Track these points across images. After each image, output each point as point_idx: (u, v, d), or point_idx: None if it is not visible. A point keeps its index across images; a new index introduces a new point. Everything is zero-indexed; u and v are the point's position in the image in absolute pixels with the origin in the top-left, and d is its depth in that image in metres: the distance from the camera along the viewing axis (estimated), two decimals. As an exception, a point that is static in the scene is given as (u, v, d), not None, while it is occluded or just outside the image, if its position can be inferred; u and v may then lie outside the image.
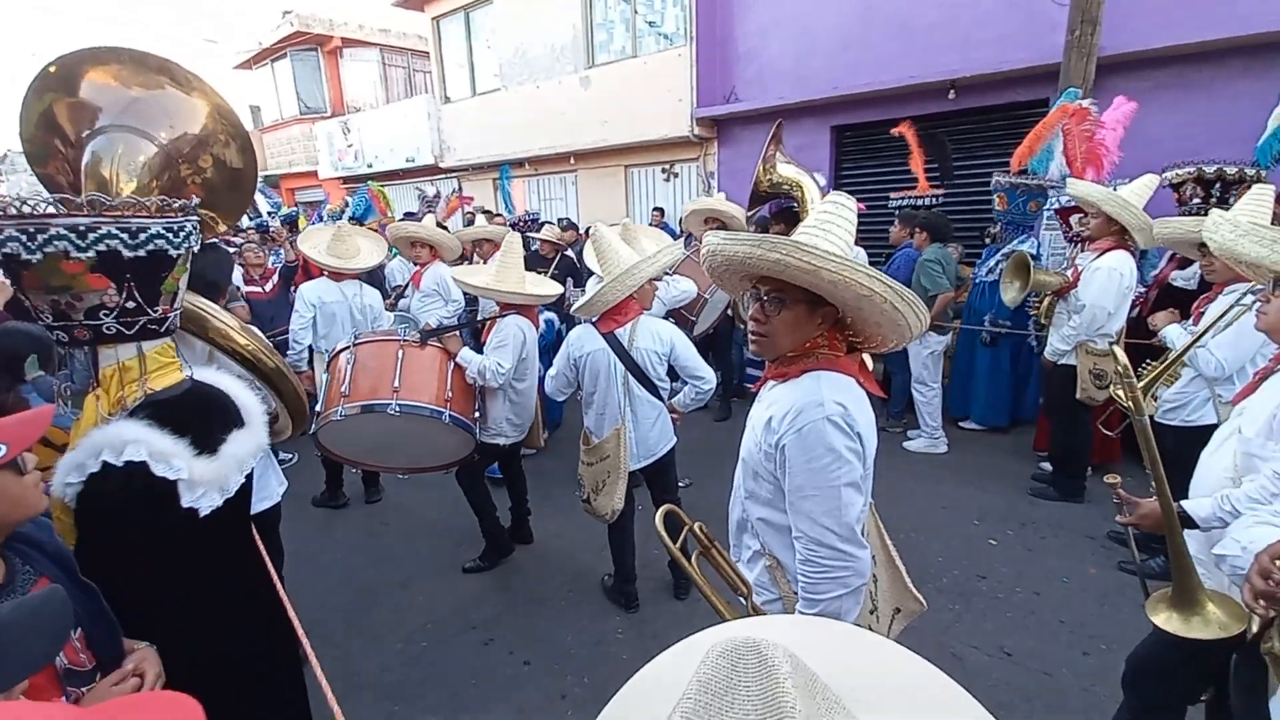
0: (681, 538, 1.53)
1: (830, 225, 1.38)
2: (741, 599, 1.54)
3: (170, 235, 1.31)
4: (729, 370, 5.75)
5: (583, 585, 3.36)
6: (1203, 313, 2.87)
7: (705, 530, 1.56)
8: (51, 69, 1.46)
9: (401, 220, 7.25)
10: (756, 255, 1.28)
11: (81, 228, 1.20)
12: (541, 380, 3.45)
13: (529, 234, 6.01)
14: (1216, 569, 1.44)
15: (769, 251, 1.26)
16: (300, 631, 1.47)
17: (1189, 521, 1.59)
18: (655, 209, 9.52)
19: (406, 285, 5.13)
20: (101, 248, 1.23)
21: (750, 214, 4.57)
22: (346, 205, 8.94)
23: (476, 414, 3.16)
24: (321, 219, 8.89)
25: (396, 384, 2.90)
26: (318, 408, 3.07)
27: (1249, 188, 2.53)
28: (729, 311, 5.10)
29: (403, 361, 2.98)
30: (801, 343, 1.43)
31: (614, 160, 10.94)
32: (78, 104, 1.46)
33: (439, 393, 3.00)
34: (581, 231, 7.58)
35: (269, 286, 5.31)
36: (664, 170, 10.55)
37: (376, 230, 6.19)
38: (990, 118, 6.93)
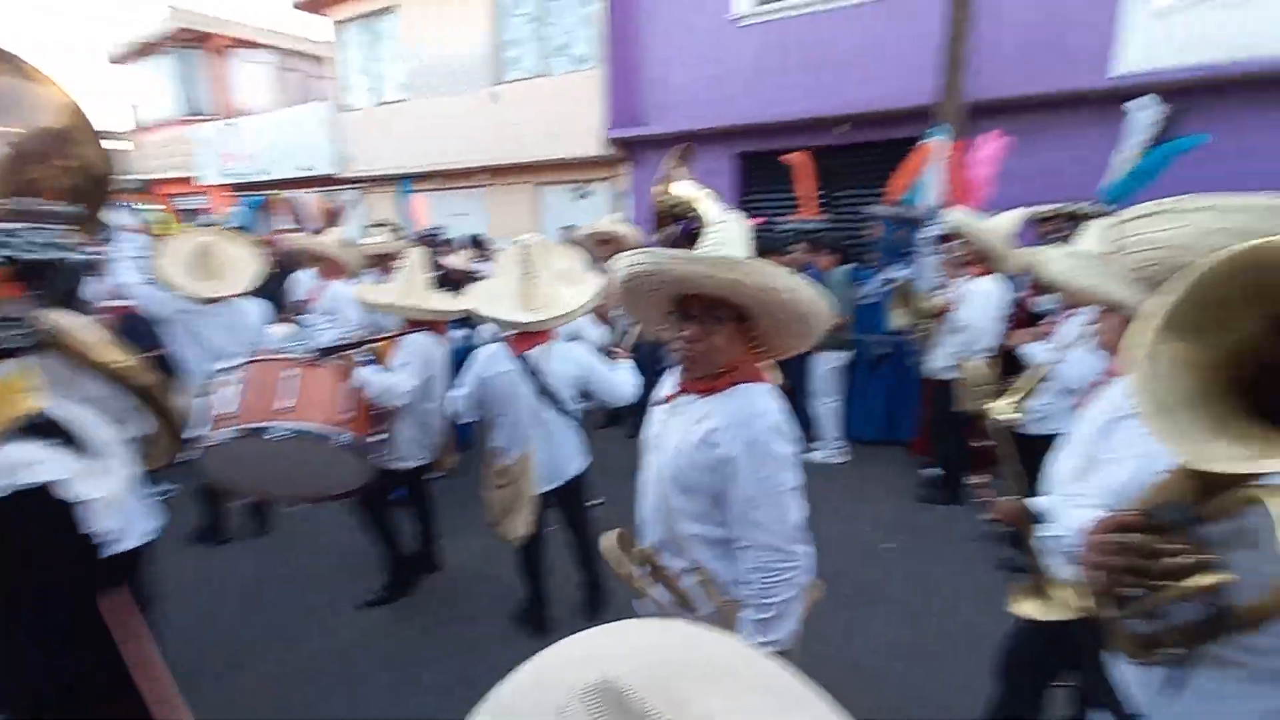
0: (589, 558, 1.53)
1: (733, 243, 1.45)
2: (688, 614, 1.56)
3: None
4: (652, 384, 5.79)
5: (498, 610, 3.24)
6: (1058, 332, 3.22)
7: (652, 553, 1.58)
8: None
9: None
10: (704, 274, 1.33)
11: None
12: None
13: (434, 249, 5.82)
14: (1053, 555, 1.61)
15: (722, 271, 1.31)
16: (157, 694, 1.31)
17: (1039, 518, 1.77)
18: (565, 227, 9.53)
19: (303, 302, 4.82)
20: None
21: (658, 235, 4.66)
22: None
23: (379, 436, 3.00)
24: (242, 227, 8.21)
25: (287, 404, 2.69)
26: (196, 432, 2.80)
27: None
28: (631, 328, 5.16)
29: (294, 380, 2.77)
30: (731, 357, 1.47)
31: (525, 177, 10.88)
32: None
33: (335, 413, 2.81)
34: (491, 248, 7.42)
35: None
36: (576, 190, 10.60)
37: (270, 242, 5.79)
38: (876, 152, 7.50)
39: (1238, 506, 0.87)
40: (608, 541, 1.49)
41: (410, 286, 3.13)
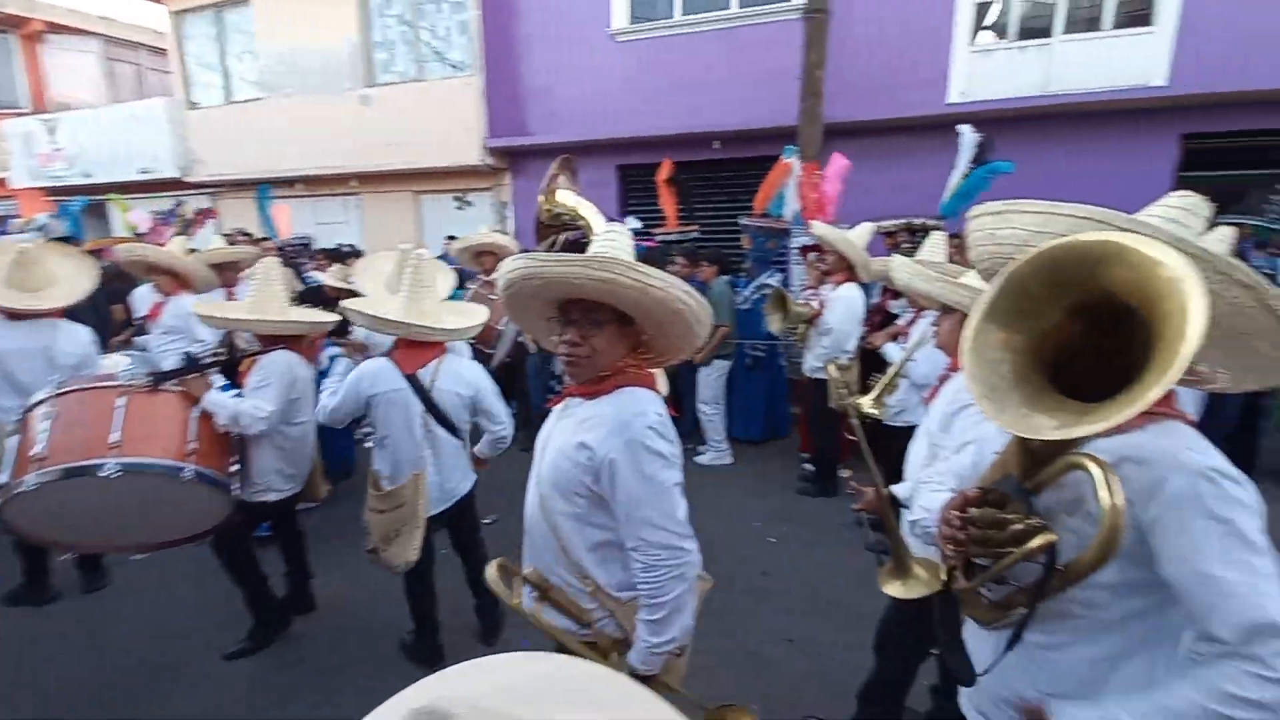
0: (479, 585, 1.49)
1: (618, 251, 1.46)
2: (586, 629, 1.55)
3: None
4: (525, 399, 5.71)
5: (383, 647, 3.03)
6: (911, 332, 3.56)
7: (539, 574, 1.55)
8: None
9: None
10: (582, 275, 1.33)
11: None
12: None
13: (298, 261, 5.41)
14: (913, 536, 1.77)
15: (597, 270, 1.32)
16: None
17: (900, 503, 1.94)
18: (448, 237, 9.22)
19: (143, 319, 4.29)
20: None
21: (542, 245, 4.65)
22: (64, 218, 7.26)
23: (234, 467, 2.70)
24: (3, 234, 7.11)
25: (115, 438, 2.35)
26: (1, 479, 2.40)
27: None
28: (520, 338, 5.08)
29: (125, 410, 2.43)
30: (615, 361, 1.49)
31: (402, 185, 10.41)
32: None
33: (178, 445, 2.49)
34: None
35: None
36: (457, 199, 10.29)
37: (101, 252, 5.10)
38: (747, 167, 7.92)
39: (1061, 473, 1.01)
40: (490, 573, 1.45)
41: (264, 299, 2.86)
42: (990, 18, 7.19)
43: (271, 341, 2.87)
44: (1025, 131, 6.79)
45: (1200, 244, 0.87)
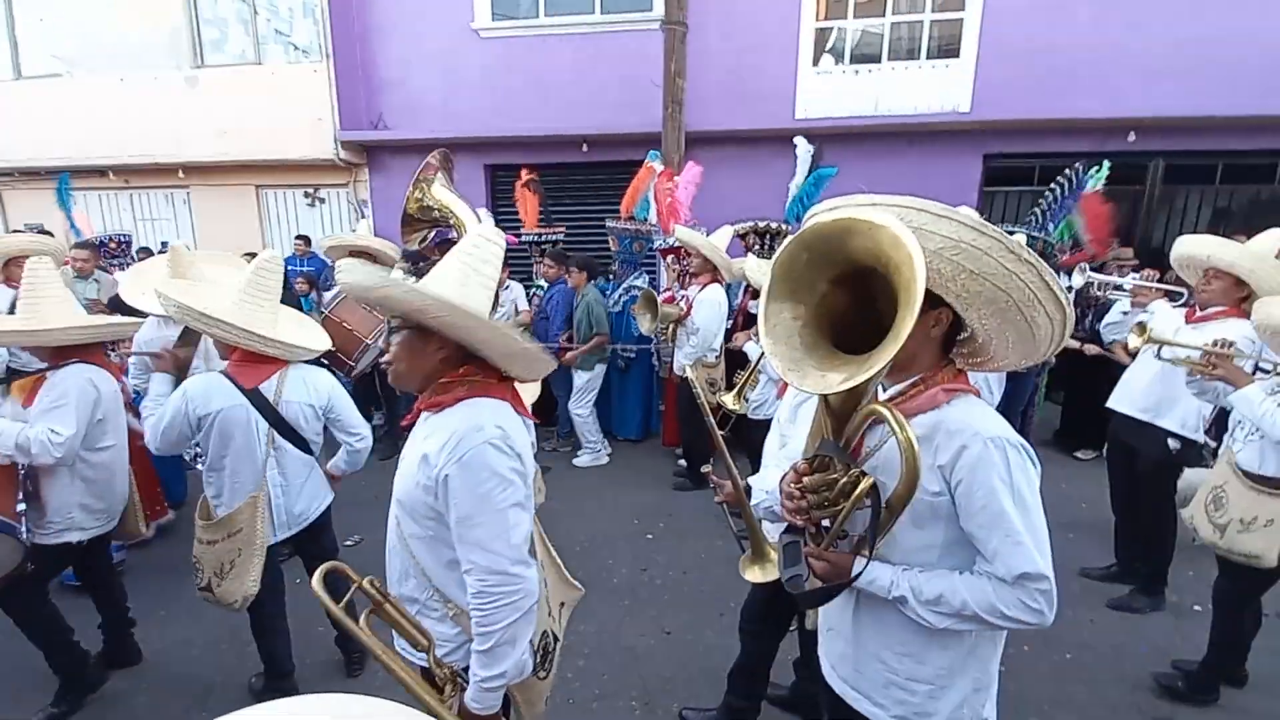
0: (346, 599, 1.33)
1: (478, 265, 1.43)
2: (422, 654, 1.41)
3: None
4: (394, 407, 5.43)
5: (225, 696, 2.72)
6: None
7: (376, 584, 1.37)
8: None
9: None
10: (365, 286, 1.31)
11: None
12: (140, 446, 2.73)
13: (119, 261, 4.73)
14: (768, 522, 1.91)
15: (371, 291, 1.32)
16: None
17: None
18: (298, 237, 8.48)
19: None
20: None
21: (408, 240, 4.42)
22: None
23: (20, 506, 2.29)
24: None
25: None
26: None
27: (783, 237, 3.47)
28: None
29: None
30: (425, 370, 1.44)
31: (241, 178, 9.41)
32: None
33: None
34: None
35: None
36: (307, 195, 9.49)
37: None
38: (614, 170, 8.05)
39: (862, 424, 1.16)
40: (315, 579, 1.30)
41: (38, 305, 2.44)
42: (829, 43, 7.84)
43: (60, 355, 2.46)
44: (858, 145, 7.49)
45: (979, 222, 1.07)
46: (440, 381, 1.44)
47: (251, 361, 2.35)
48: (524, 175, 6.55)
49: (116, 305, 3.99)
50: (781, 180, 5.74)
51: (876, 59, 7.70)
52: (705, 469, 2.11)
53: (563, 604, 1.80)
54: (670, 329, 4.60)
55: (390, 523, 1.53)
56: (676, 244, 4.92)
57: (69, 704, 2.62)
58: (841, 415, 1.16)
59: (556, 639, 1.69)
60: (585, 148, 8.13)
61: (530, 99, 8.21)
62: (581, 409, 5.29)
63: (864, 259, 1.02)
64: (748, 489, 1.86)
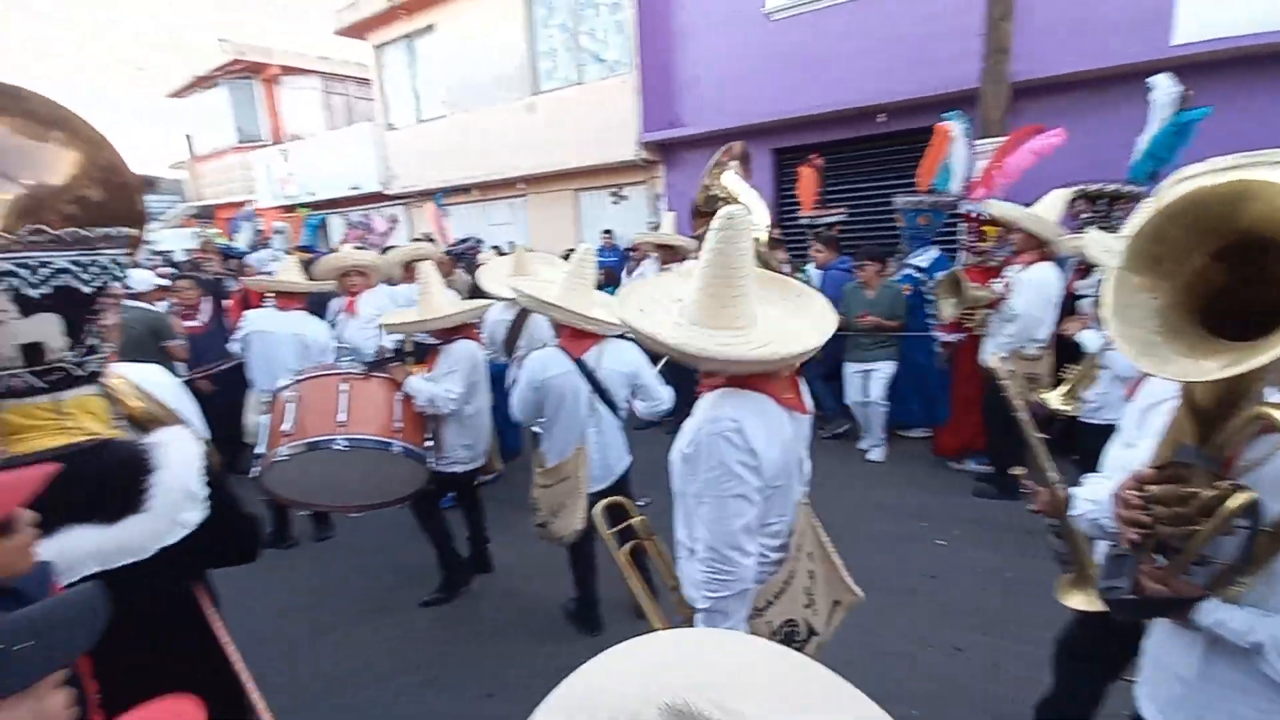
0: (622, 527, 1.61)
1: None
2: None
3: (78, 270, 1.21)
4: (691, 387, 5.85)
5: (544, 611, 3.32)
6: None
7: (646, 523, 1.68)
8: None
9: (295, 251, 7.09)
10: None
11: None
12: (496, 405, 3.45)
13: (471, 260, 5.96)
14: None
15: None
16: (248, 683, 1.38)
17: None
18: (604, 231, 9.65)
19: (337, 315, 4.97)
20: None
21: (697, 231, 4.70)
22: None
23: (429, 442, 3.12)
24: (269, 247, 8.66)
25: (342, 418, 2.83)
26: (259, 450, 2.97)
27: (1130, 203, 2.76)
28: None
29: (348, 395, 2.91)
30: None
31: (563, 184, 11.04)
32: None
33: (387, 423, 2.94)
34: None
35: (203, 319, 5.12)
36: (612, 194, 10.71)
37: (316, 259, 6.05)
38: (917, 140, 7.33)
39: (1243, 431, 0.94)
40: (597, 509, 1.62)
41: (430, 300, 3.23)
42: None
43: (449, 334, 3.25)
44: (1258, 73, 5.55)
45: None
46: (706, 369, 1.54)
47: (576, 336, 2.80)
48: (814, 159, 6.38)
49: (473, 293, 5.06)
50: (1128, 132, 4.59)
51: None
52: (1017, 471, 1.84)
53: (837, 603, 1.77)
54: (980, 314, 4.05)
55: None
56: (976, 212, 4.30)
57: (446, 593, 3.48)
58: (1212, 418, 0.95)
59: (813, 632, 1.67)
60: (883, 118, 7.55)
61: (821, 74, 7.93)
62: (882, 399, 5.06)
63: (1264, 229, 0.83)
64: (1068, 499, 1.57)
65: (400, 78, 12.92)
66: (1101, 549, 1.44)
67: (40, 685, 0.76)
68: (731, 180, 3.52)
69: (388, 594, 3.60)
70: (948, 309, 4.11)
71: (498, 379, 3.85)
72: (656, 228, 7.13)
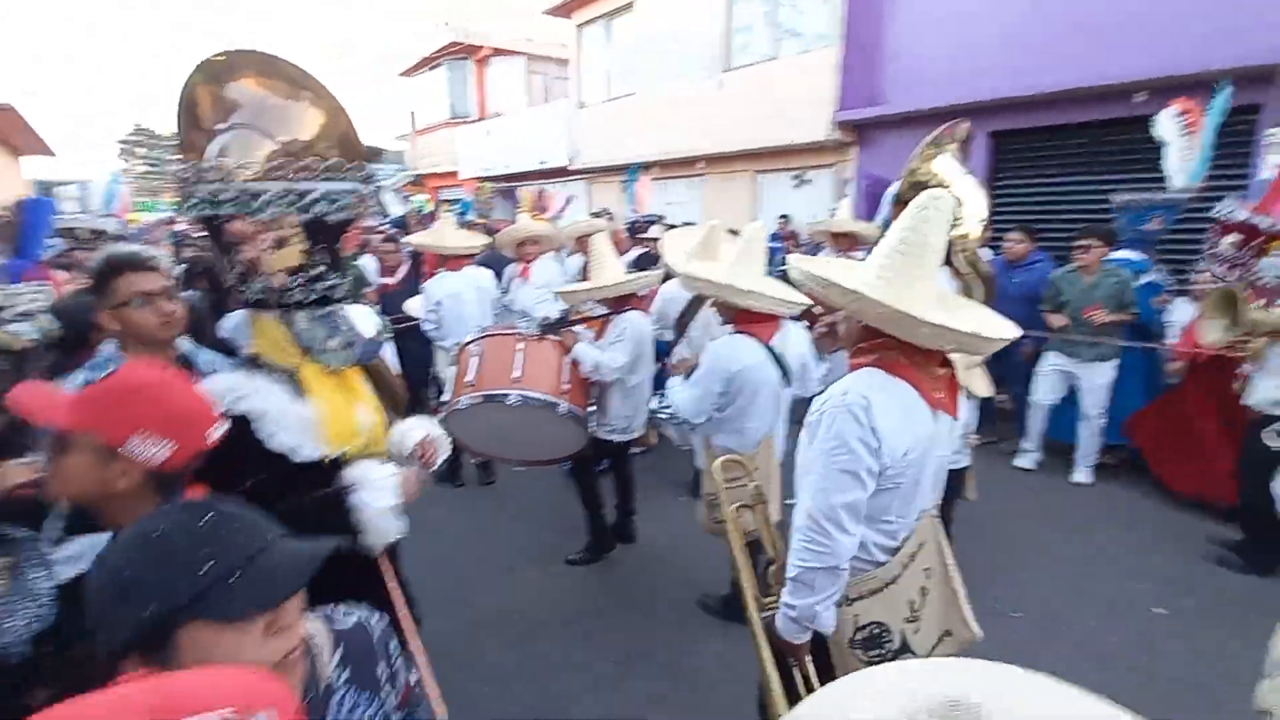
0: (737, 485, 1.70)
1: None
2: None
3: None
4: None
5: (679, 591, 3.28)
6: None
7: (759, 488, 1.86)
8: (220, 58, 1.56)
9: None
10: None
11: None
12: (656, 377, 3.47)
13: (640, 235, 5.90)
14: None
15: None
16: (401, 607, 1.50)
17: None
18: (781, 216, 9.25)
19: (511, 280, 5.21)
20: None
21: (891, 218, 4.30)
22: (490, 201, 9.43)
23: (592, 407, 3.18)
24: (463, 214, 9.45)
25: (517, 375, 2.97)
26: (444, 397, 3.22)
27: None
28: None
29: (523, 354, 3.06)
30: (851, 338, 1.57)
31: (744, 165, 10.76)
32: (220, 98, 1.53)
33: (556, 384, 3.04)
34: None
35: (399, 276, 5.61)
36: (794, 177, 10.22)
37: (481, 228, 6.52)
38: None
39: None
40: (715, 464, 1.82)
41: (600, 270, 3.27)
42: None
43: (620, 303, 3.27)
44: None
45: None
46: (859, 345, 1.55)
47: (757, 321, 2.61)
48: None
49: (641, 265, 5.06)
50: None
51: None
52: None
53: (949, 633, 1.63)
54: (1259, 342, 3.21)
55: None
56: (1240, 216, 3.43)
57: (591, 554, 3.57)
58: None
59: (907, 648, 1.58)
60: (1143, 97, 6.27)
61: (1060, 48, 6.78)
62: (1101, 412, 4.43)
63: None
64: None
65: (596, 56, 13.36)
66: None
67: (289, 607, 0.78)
68: (946, 165, 3.10)
69: (538, 547, 3.78)
70: (1214, 331, 3.31)
71: (659, 355, 3.82)
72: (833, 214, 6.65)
